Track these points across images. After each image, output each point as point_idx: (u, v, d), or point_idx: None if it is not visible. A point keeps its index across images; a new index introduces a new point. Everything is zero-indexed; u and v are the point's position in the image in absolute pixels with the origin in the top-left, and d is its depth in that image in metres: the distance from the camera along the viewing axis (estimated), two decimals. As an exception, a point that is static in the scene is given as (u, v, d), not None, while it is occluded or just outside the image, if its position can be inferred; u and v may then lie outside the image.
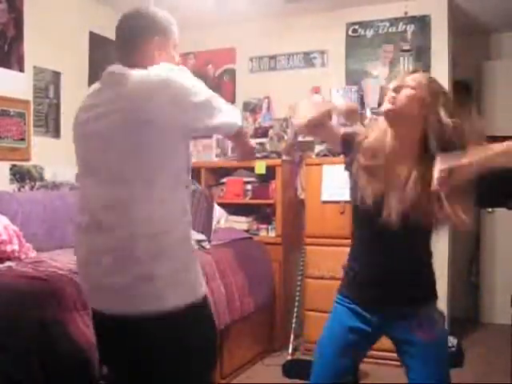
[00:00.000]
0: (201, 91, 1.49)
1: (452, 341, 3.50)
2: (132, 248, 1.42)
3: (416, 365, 1.80)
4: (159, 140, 1.42)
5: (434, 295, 1.84)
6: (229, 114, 1.57)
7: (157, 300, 1.44)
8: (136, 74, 1.45)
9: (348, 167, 1.83)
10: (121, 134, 1.42)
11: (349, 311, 1.82)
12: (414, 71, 1.82)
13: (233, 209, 4.11)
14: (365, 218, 1.78)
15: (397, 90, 1.74)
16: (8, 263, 2.50)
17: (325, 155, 3.82)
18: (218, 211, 3.90)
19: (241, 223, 4.06)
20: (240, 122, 1.64)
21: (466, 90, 4.62)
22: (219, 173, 4.27)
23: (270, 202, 3.97)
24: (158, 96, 1.40)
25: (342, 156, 1.91)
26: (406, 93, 1.73)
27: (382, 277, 1.77)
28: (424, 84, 1.72)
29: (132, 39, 1.55)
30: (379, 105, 3.89)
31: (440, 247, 3.53)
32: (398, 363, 1.93)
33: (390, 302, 1.77)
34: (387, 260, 1.75)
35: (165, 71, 1.45)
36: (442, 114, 1.66)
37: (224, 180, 4.21)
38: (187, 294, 1.49)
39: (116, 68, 1.51)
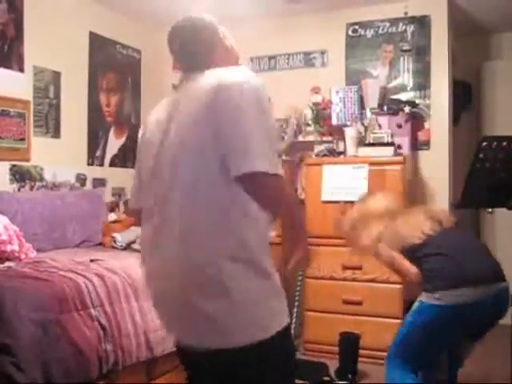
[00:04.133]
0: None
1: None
2: None
3: None
4: None
5: None
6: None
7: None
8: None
9: None
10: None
11: None
12: None
13: (233, 209, 4.10)
14: None
15: None
16: (8, 263, 2.51)
17: (325, 155, 3.82)
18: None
19: (241, 223, 4.05)
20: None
21: (466, 90, 4.62)
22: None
23: (270, 202, 3.96)
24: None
25: None
26: None
27: None
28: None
29: (194, 61, 1.54)
30: (379, 105, 3.90)
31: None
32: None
33: None
34: None
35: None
36: None
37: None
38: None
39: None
